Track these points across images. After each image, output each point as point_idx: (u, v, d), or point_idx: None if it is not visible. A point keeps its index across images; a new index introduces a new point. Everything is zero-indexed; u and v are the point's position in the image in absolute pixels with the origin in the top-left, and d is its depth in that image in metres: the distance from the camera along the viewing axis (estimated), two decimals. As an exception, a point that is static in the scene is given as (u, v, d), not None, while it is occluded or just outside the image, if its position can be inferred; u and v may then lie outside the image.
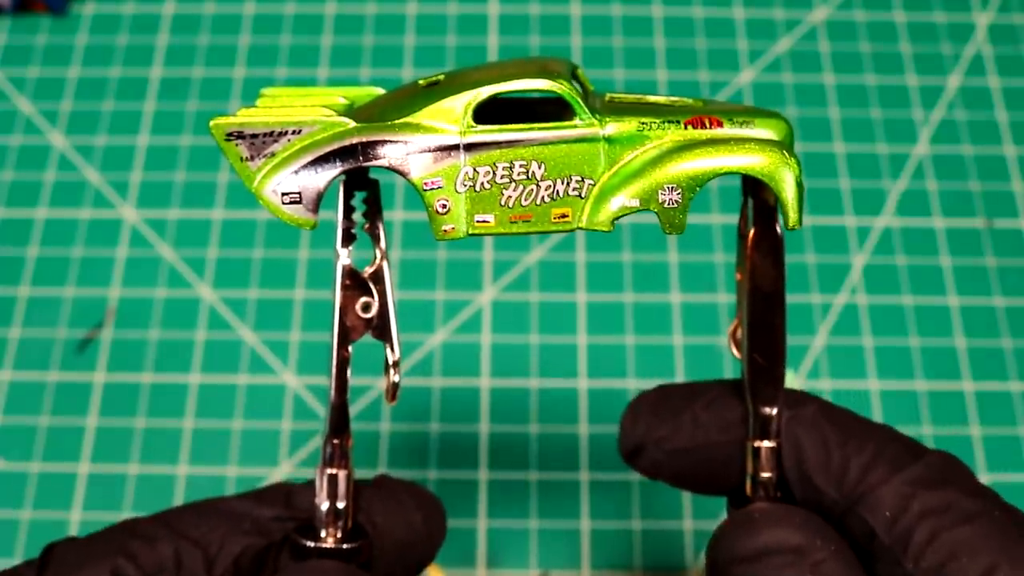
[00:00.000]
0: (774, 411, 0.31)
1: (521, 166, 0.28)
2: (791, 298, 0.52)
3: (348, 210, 0.30)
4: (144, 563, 0.29)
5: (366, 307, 0.31)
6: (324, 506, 0.30)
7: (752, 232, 0.31)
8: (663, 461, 0.33)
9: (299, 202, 0.29)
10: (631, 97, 0.30)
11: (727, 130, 0.29)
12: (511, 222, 0.29)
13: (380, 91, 0.31)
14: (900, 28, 0.61)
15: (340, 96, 0.30)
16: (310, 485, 0.31)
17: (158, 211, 0.55)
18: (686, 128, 0.29)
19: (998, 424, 0.50)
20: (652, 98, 0.30)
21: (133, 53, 0.60)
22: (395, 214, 0.55)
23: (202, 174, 0.56)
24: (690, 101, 0.30)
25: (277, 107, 0.29)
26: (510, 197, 0.28)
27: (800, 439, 0.31)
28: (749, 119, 0.29)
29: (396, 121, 0.28)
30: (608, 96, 0.30)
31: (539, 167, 0.28)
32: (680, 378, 0.50)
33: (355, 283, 0.31)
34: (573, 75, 0.30)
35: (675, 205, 0.28)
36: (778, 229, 0.30)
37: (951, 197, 0.56)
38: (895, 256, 0.54)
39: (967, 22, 0.61)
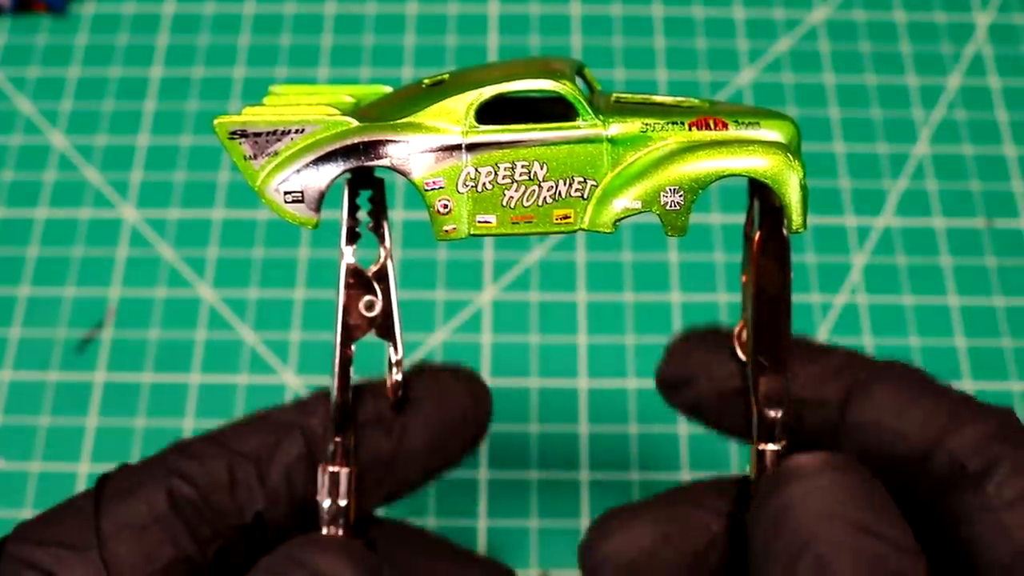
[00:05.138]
0: (779, 414, 0.31)
1: (523, 167, 0.28)
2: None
3: (353, 209, 0.31)
4: (199, 482, 0.30)
5: (370, 305, 0.31)
6: (326, 504, 0.30)
7: (758, 235, 0.31)
8: (710, 401, 0.33)
9: (301, 201, 0.29)
10: (637, 97, 0.30)
11: (732, 132, 0.28)
12: (513, 223, 0.29)
13: (387, 89, 0.31)
14: (900, 28, 0.61)
15: (347, 95, 0.30)
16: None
17: (158, 211, 0.55)
18: (690, 129, 0.28)
19: (998, 424, 0.50)
20: (658, 98, 0.30)
21: (133, 53, 0.60)
22: (395, 214, 0.55)
23: (202, 174, 0.56)
24: (696, 102, 0.30)
25: (282, 105, 0.29)
26: (512, 198, 0.28)
27: (883, 393, 0.31)
28: (755, 120, 0.29)
29: (399, 121, 0.28)
30: (614, 96, 0.30)
31: (541, 168, 0.28)
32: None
33: (359, 282, 0.31)
34: (579, 74, 0.30)
35: (677, 207, 0.28)
36: (784, 232, 0.30)
37: (951, 197, 0.56)
38: (895, 256, 0.54)
39: (967, 22, 0.61)
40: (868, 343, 0.52)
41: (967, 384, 0.51)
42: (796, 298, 0.53)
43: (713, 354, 0.33)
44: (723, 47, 0.60)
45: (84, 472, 0.49)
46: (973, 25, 0.61)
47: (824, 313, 0.52)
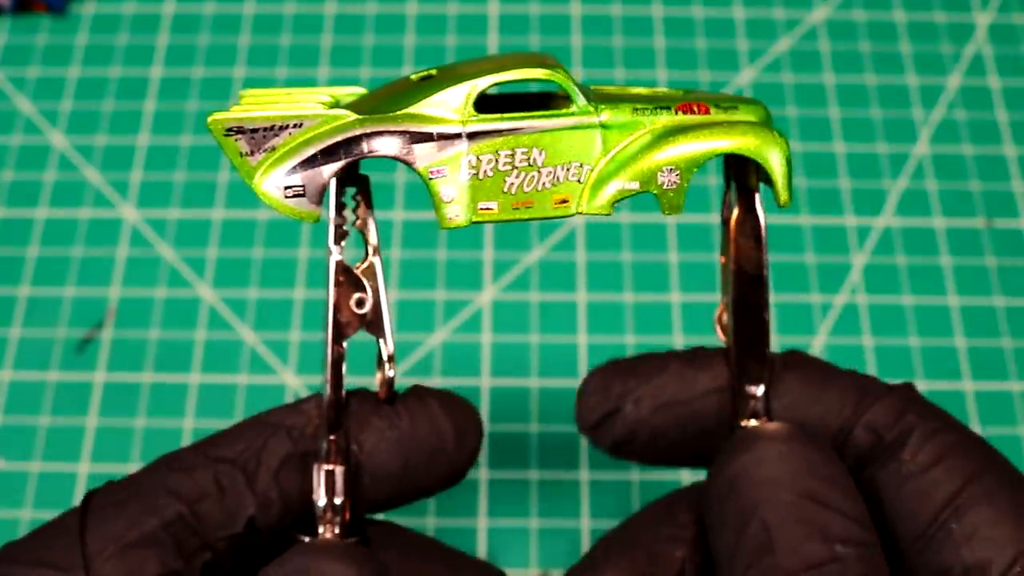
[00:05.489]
0: (760, 390, 0.32)
1: (523, 153, 0.29)
2: (791, 297, 0.53)
3: (340, 207, 0.31)
4: (186, 494, 0.29)
5: (360, 303, 0.31)
6: (321, 502, 0.30)
7: (735, 215, 0.32)
8: (644, 421, 0.32)
9: (303, 195, 0.29)
10: (613, 88, 0.31)
11: (715, 115, 0.30)
12: (514, 208, 0.29)
13: (362, 91, 0.31)
14: (900, 28, 0.61)
15: (324, 95, 0.30)
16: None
17: (158, 211, 0.55)
18: (677, 114, 0.30)
19: (998, 424, 0.50)
20: (634, 90, 0.31)
21: (133, 53, 0.60)
22: (395, 214, 0.55)
23: (202, 174, 0.56)
24: (669, 91, 0.31)
25: (271, 103, 0.29)
26: (513, 183, 0.29)
27: (794, 381, 0.32)
28: (733, 104, 0.30)
29: (398, 112, 0.29)
30: (592, 88, 0.31)
31: (540, 154, 0.29)
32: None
33: (348, 279, 0.31)
34: None
35: (674, 186, 0.29)
36: (759, 211, 0.32)
37: (951, 197, 0.56)
38: (895, 256, 0.54)
39: (967, 22, 0.61)
40: (868, 343, 0.52)
41: (967, 384, 0.51)
42: (796, 298, 0.53)
43: (632, 379, 0.33)
44: (723, 47, 0.60)
45: (84, 472, 0.49)
46: (973, 25, 0.61)
47: (824, 313, 0.52)
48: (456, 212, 0.29)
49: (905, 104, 0.59)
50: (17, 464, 0.49)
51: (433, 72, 0.30)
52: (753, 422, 0.32)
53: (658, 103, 0.30)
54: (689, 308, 0.53)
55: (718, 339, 0.33)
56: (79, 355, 0.51)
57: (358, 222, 0.31)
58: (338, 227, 0.31)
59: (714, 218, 0.55)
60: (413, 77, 0.31)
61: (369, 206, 0.31)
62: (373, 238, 0.31)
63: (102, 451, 0.49)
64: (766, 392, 0.32)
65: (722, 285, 0.34)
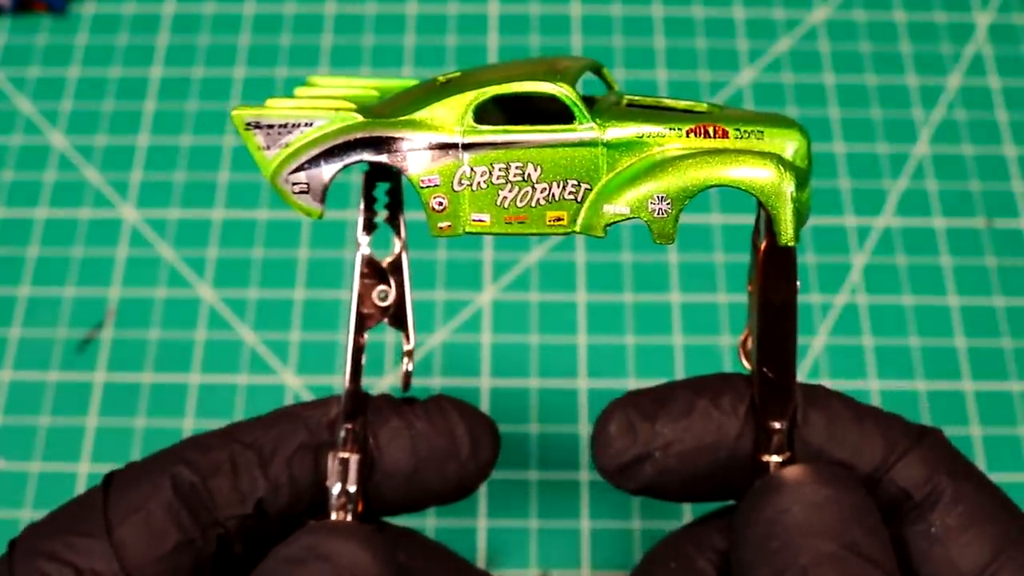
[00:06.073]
0: (783, 425, 0.31)
1: (517, 168, 0.29)
2: (791, 298, 0.53)
3: (370, 200, 0.31)
4: (202, 469, 0.30)
5: (383, 296, 0.32)
6: (336, 489, 0.31)
7: (763, 244, 0.30)
8: (673, 469, 0.31)
9: (307, 192, 0.29)
10: (648, 100, 0.30)
11: (731, 140, 0.28)
12: (506, 223, 0.29)
13: (414, 82, 0.32)
14: (900, 28, 0.61)
15: (374, 88, 0.31)
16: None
17: (158, 211, 0.55)
18: (688, 136, 0.28)
19: (998, 424, 0.50)
20: (669, 102, 0.30)
21: (133, 53, 0.60)
22: (395, 214, 0.55)
23: (202, 174, 0.56)
24: (706, 107, 0.29)
25: (302, 98, 0.29)
26: (505, 198, 0.29)
27: (819, 421, 0.32)
28: (759, 129, 0.28)
29: (400, 118, 0.29)
30: (626, 99, 0.30)
31: (535, 170, 0.29)
32: (680, 378, 0.50)
33: (373, 272, 0.32)
34: (597, 73, 0.30)
35: (664, 215, 0.28)
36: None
37: (951, 197, 0.56)
38: (895, 256, 0.54)
39: (967, 22, 0.61)
40: (868, 343, 0.52)
41: (967, 384, 0.51)
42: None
43: (658, 422, 0.31)
44: (723, 47, 0.60)
45: (84, 472, 0.49)
46: (973, 25, 0.61)
47: (824, 313, 0.52)
48: (448, 222, 0.29)
49: (905, 104, 0.59)
50: (17, 464, 0.49)
51: (457, 75, 0.30)
52: (776, 457, 0.31)
53: (672, 123, 0.28)
54: (689, 308, 0.53)
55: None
56: (79, 355, 0.51)
57: (387, 217, 0.32)
58: (368, 220, 0.31)
59: (714, 219, 0.55)
60: (440, 79, 0.30)
61: (400, 202, 0.32)
62: (403, 233, 0.32)
63: (102, 451, 0.49)
64: (790, 427, 0.31)
65: (748, 313, 0.32)
